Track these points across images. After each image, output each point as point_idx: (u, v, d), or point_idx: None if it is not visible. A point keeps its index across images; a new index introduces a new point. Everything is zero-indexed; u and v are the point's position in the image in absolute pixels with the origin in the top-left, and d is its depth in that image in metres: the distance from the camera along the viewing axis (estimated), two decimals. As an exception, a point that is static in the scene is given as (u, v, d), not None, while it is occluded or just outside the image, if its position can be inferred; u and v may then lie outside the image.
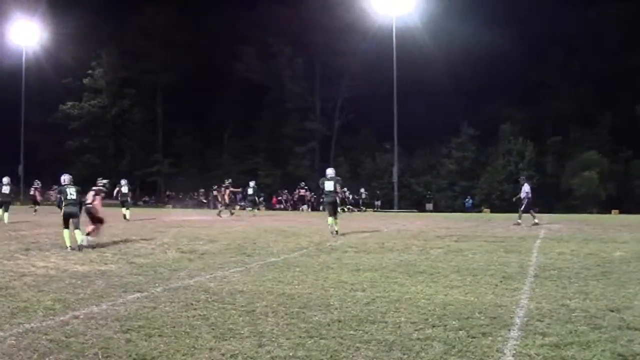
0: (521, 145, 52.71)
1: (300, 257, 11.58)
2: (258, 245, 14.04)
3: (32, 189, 37.44)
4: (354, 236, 17.05)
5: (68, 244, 13.19)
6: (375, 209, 48.67)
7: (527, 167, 51.30)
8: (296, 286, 8.14)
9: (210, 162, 66.92)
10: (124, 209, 26.98)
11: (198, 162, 68.00)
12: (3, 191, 24.89)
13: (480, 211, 45.53)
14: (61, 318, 5.97)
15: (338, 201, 18.77)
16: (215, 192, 40.49)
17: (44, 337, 5.21)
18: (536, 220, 22.44)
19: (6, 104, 63.02)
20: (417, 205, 51.50)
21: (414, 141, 54.65)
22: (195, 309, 6.47)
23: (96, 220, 14.91)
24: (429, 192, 54.78)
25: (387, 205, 50.82)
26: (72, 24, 61.89)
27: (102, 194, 16.00)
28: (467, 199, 51.15)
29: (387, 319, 6.06)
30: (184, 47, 64.62)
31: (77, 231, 13.54)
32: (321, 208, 37.09)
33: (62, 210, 14.04)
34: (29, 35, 61.63)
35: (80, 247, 12.97)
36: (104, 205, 15.86)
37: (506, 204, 41.07)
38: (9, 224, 21.75)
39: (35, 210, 32.66)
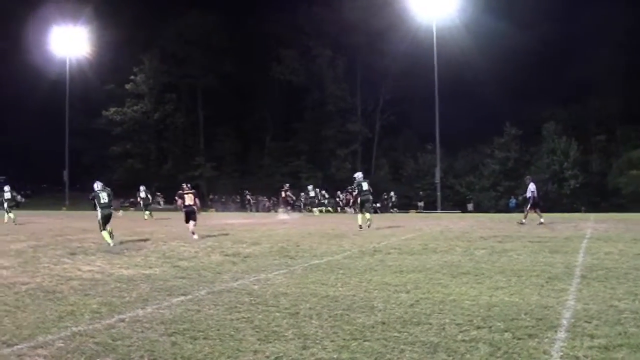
0: (565, 144, 51.97)
1: (343, 260, 11.57)
2: (301, 247, 14.07)
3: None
4: (397, 238, 16.95)
5: (109, 241, 15.17)
6: (418, 210, 48.52)
7: (572, 166, 50.62)
8: (340, 288, 8.13)
9: (252, 165, 67.39)
10: (146, 212, 31.99)
11: (239, 165, 68.56)
12: (5, 196, 29.52)
13: (524, 211, 44.87)
14: (107, 321, 6.08)
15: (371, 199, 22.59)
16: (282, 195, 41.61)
17: (91, 340, 5.30)
18: (541, 220, 22.31)
19: (52, 111, 64.60)
20: (459, 206, 51.08)
21: (456, 141, 54.25)
22: (239, 312, 6.51)
23: (194, 218, 18.20)
24: (469, 193, 54.32)
25: (429, 206, 50.51)
26: (114, 31, 63.08)
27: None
28: (510, 199, 50.49)
29: (432, 320, 6.02)
30: (225, 50, 65.29)
31: (109, 228, 15.67)
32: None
33: (99, 214, 15.88)
34: (72, 44, 62.78)
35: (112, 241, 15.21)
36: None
37: (551, 204, 40.41)
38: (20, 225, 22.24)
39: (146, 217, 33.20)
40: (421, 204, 51.44)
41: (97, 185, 16.71)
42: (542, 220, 22.38)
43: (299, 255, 12.33)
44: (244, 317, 6.22)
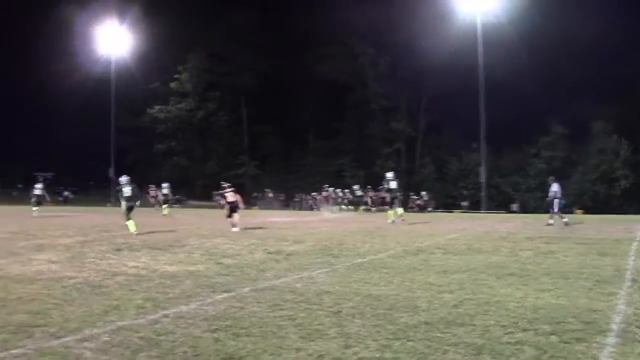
0: (615, 143, 50.56)
1: (386, 258, 11.55)
2: (344, 246, 14.09)
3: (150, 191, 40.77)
4: (441, 237, 16.85)
5: (132, 229, 17.74)
6: (462, 210, 48.17)
7: (622, 165, 49.38)
8: (383, 287, 8.11)
9: (295, 164, 67.58)
10: (164, 207, 34.26)
11: (283, 163, 68.76)
12: (35, 192, 33.36)
13: (572, 212, 44.16)
14: (151, 316, 6.16)
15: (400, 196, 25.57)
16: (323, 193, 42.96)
17: (135, 334, 5.39)
18: (565, 220, 22.39)
19: (98, 109, 65.81)
20: (504, 206, 50.42)
21: (501, 140, 53.32)
22: (282, 310, 6.54)
23: (234, 212, 20.08)
24: (515, 193, 53.58)
25: (473, 206, 50.01)
26: (158, 30, 63.90)
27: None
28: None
29: (476, 321, 5.95)
30: (268, 49, 65.52)
31: (130, 221, 18.05)
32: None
33: (124, 205, 18.56)
34: (117, 43, 63.76)
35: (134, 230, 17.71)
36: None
37: (601, 205, 39.62)
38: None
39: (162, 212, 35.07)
40: (465, 203, 50.98)
41: (124, 180, 19.09)
42: (565, 219, 22.42)
43: (342, 254, 12.35)
44: (286, 315, 6.25)
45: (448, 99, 55.47)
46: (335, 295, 7.42)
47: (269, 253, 12.54)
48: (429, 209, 46.63)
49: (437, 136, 62.92)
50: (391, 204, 24.88)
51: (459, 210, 46.97)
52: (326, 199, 46.33)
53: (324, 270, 9.89)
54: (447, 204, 51.84)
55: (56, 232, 18.14)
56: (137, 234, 16.94)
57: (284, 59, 64.55)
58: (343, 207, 45.36)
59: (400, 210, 24.81)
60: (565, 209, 46.11)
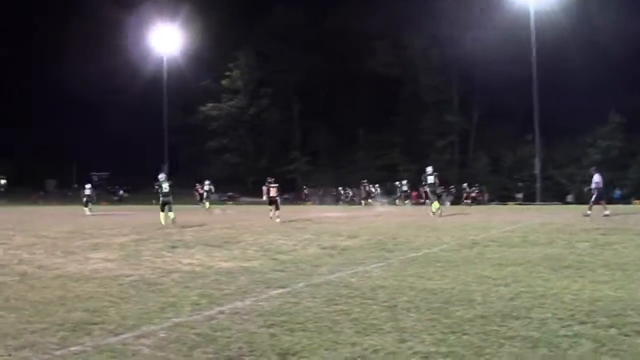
0: None
1: (441, 252, 11.45)
2: (398, 240, 14.02)
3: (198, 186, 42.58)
4: (496, 230, 16.64)
5: (163, 222, 20.00)
6: (517, 202, 47.60)
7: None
8: (437, 281, 8.03)
9: (346, 159, 67.55)
10: (207, 203, 35.84)
11: (334, 158, 68.81)
12: (86, 192, 35.39)
13: (630, 203, 43.07)
14: (207, 313, 6.22)
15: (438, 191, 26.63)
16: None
17: (191, 331, 5.45)
18: (607, 212, 21.96)
19: (150, 108, 66.98)
20: (559, 197, 49.49)
21: (556, 131, 52.35)
22: (337, 304, 6.53)
23: (276, 207, 22.76)
24: (570, 185, 52.48)
25: (528, 198, 49.25)
26: (208, 28, 64.70)
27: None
28: (614, 190, 48.34)
29: (532, 314, 5.84)
30: (315, 44, 65.69)
31: (171, 213, 20.27)
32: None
33: (161, 199, 20.82)
34: (168, 41, 64.66)
35: (173, 222, 19.99)
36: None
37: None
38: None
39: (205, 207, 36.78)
40: (520, 195, 50.29)
41: (162, 177, 21.41)
42: (607, 212, 22.01)
43: (397, 248, 12.29)
44: (341, 310, 6.24)
45: (501, 90, 54.55)
46: (390, 290, 7.37)
47: (323, 248, 12.57)
48: (483, 202, 46.18)
49: (491, 128, 62.08)
50: (438, 197, 26.04)
51: (513, 203, 46.38)
52: (367, 193, 47.11)
53: (379, 264, 9.85)
54: (501, 196, 51.20)
55: (111, 231, 18.48)
56: (175, 229, 18.61)
57: (333, 53, 64.66)
58: (370, 201, 46.30)
59: (435, 204, 25.27)
60: (624, 200, 45.51)
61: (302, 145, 71.82)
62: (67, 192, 73.43)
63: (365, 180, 48.48)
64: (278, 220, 21.94)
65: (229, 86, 71.53)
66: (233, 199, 63.23)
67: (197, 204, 38.39)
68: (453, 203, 44.88)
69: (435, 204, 25.23)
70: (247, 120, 72.49)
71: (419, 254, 11.24)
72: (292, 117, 72.97)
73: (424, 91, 62.10)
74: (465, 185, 49.09)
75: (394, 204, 44.35)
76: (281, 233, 16.61)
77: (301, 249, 12.47)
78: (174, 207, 21.06)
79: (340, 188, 56.11)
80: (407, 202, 44.16)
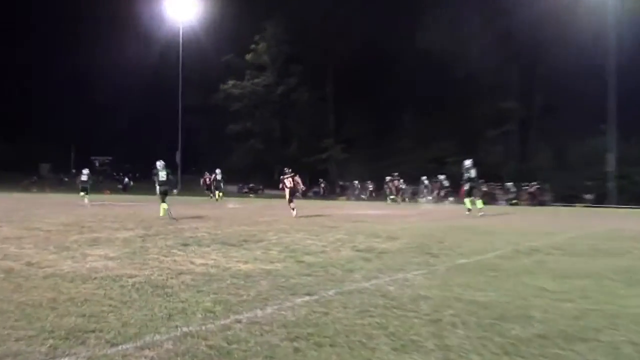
0: None
1: (494, 259, 11.37)
2: (445, 244, 13.94)
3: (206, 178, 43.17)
4: (560, 236, 16.48)
5: (162, 214, 21.46)
6: (586, 204, 47.06)
7: None
8: (490, 293, 7.94)
9: (388, 148, 67.21)
10: (217, 193, 38.26)
11: (374, 148, 68.41)
12: (82, 178, 36.07)
13: None
14: (222, 322, 6.19)
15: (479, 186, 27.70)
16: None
17: (203, 342, 5.41)
18: None
19: (164, 86, 67.30)
20: (638, 200, 48.72)
21: (632, 125, 51.63)
22: (372, 316, 6.47)
23: (292, 199, 24.33)
24: None
25: (599, 200, 48.57)
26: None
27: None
28: None
29: (602, 337, 5.74)
30: (357, 16, 65.24)
31: (164, 204, 21.84)
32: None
33: (158, 189, 22.44)
34: (185, 9, 64.38)
35: (169, 216, 21.01)
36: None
37: None
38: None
39: (214, 199, 39.35)
40: (589, 196, 49.64)
41: (159, 165, 22.73)
42: None
43: (443, 253, 12.22)
44: (377, 323, 6.18)
45: (568, 75, 53.80)
46: (434, 301, 7.30)
47: (357, 251, 12.53)
48: (545, 202, 45.83)
49: (556, 117, 61.23)
50: (470, 194, 26.76)
51: (581, 205, 45.84)
52: (397, 189, 47.25)
53: (421, 271, 9.79)
54: (567, 196, 50.49)
55: (114, 224, 18.64)
56: (171, 220, 20.05)
57: (376, 27, 64.13)
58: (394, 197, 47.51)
59: (479, 203, 26.16)
60: None
61: (336, 131, 71.60)
62: (62, 178, 73.99)
63: (396, 174, 48.48)
64: (294, 212, 23.65)
65: (253, 61, 71.59)
66: (255, 192, 63.58)
67: (205, 195, 39.11)
68: (510, 203, 44.68)
69: (478, 203, 26.30)
70: (273, 100, 72.61)
71: (469, 260, 11.18)
72: (326, 98, 72.82)
73: (479, 73, 61.47)
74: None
75: (431, 201, 44.64)
76: (309, 232, 16.60)
77: (332, 251, 12.43)
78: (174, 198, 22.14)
79: (358, 182, 56.32)
80: (450, 199, 44.22)
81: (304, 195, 58.72)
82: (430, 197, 45.35)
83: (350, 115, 69.50)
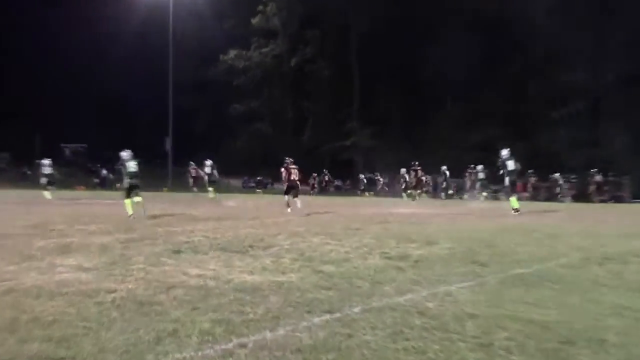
0: None
1: (558, 269, 11.31)
2: (496, 249, 13.93)
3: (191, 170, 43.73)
4: (641, 240, 16.39)
5: (130, 212, 22.17)
6: None
7: None
8: (553, 311, 7.89)
9: (424, 134, 66.97)
10: (210, 190, 38.54)
11: (408, 132, 68.11)
12: (44, 171, 37.29)
13: None
14: (222, 347, 6.18)
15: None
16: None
17: (199, 371, 5.41)
18: None
19: (150, 57, 67.11)
20: None
21: None
22: (407, 339, 6.44)
23: (295, 194, 26.51)
24: None
25: None
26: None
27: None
28: None
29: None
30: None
31: (138, 198, 23.01)
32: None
33: (126, 182, 23.19)
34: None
35: (140, 205, 22.45)
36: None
37: None
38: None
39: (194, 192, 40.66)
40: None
41: (125, 155, 23.78)
42: None
43: (494, 261, 12.19)
44: (413, 347, 6.15)
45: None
46: (484, 321, 7.26)
47: (388, 258, 12.50)
48: (622, 197, 45.70)
49: (634, 95, 60.75)
50: (512, 189, 27.95)
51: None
52: (417, 182, 47.53)
53: (467, 283, 9.77)
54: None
55: (90, 227, 18.71)
56: (133, 218, 21.29)
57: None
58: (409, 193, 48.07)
59: (513, 200, 27.33)
60: None
61: (362, 112, 71.28)
62: (25, 171, 74.04)
63: (416, 162, 48.52)
64: (289, 209, 26.07)
65: (261, 26, 71.41)
66: (263, 186, 63.71)
67: (189, 190, 39.62)
68: (577, 199, 44.64)
69: (514, 200, 27.34)
70: (285, 74, 72.59)
71: (527, 270, 11.12)
72: (350, 72, 72.53)
73: (537, 42, 61.16)
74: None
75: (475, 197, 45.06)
76: (329, 235, 16.58)
77: (357, 259, 12.41)
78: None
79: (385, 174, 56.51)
80: (484, 194, 44.50)
81: (323, 190, 58.92)
82: (450, 192, 45.80)
83: (380, 93, 69.32)
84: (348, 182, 65.43)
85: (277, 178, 65.20)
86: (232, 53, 70.97)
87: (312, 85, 72.37)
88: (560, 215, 24.80)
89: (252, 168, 63.75)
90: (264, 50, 71.57)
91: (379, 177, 59.20)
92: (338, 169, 67.93)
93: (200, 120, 72.68)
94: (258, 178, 65.39)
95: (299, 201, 26.78)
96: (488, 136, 61.90)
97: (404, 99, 68.53)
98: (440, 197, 47.30)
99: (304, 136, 69.72)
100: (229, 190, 55.59)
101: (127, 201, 22.73)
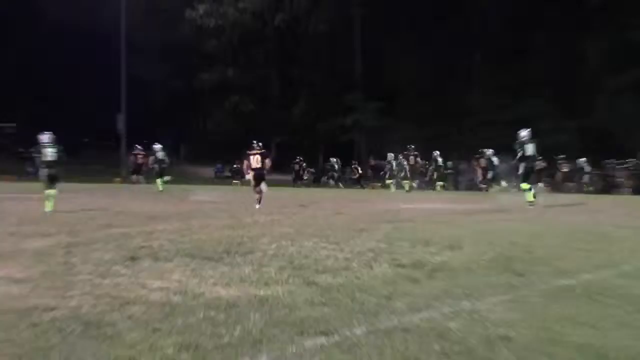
0: None
1: (615, 279, 11.30)
2: (535, 255, 13.95)
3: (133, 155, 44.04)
4: None
5: (49, 208, 23.54)
6: None
7: None
8: (610, 332, 7.88)
9: (448, 106, 66.71)
10: (158, 180, 39.52)
11: (425, 105, 67.86)
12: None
13: None
14: (191, 379, 6.20)
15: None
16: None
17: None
18: None
19: (100, 15, 66.94)
20: None
21: None
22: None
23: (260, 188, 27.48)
24: None
25: None
26: None
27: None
28: None
29: None
30: None
31: (51, 191, 24.16)
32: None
33: (44, 172, 24.44)
34: None
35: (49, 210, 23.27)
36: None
37: None
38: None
39: (133, 183, 42.03)
40: None
41: (44, 138, 25.10)
42: None
43: (532, 270, 12.13)
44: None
45: None
46: (522, 345, 7.26)
47: (399, 266, 12.47)
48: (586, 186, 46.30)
49: None
50: (526, 178, 28.07)
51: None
52: (415, 168, 48.05)
53: (500, 298, 9.73)
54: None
55: (22, 228, 18.69)
56: (50, 213, 22.59)
57: None
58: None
59: (529, 194, 28.01)
60: None
61: (367, 81, 70.94)
62: None
63: (412, 146, 48.87)
64: (258, 206, 27.43)
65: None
66: (240, 176, 63.53)
67: (131, 180, 39.98)
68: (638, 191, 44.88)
69: (530, 194, 28.09)
70: (269, 35, 72.33)
71: (574, 281, 11.09)
72: (351, 30, 72.16)
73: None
74: None
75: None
76: (325, 238, 16.57)
77: (360, 266, 12.40)
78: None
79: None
80: (503, 184, 45.01)
81: (318, 180, 59.01)
82: (513, 183, 45.73)
83: (390, 56, 69.03)
84: (348, 170, 65.35)
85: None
86: (201, 8, 70.75)
87: (303, 46, 72.11)
88: (614, 210, 24.77)
89: (227, 153, 63.67)
90: (241, 5, 71.28)
91: (391, 163, 59.20)
92: (336, 153, 67.52)
93: (162, 94, 72.52)
94: (234, 166, 65.07)
95: (259, 196, 28.00)
96: (531, 109, 61.57)
97: (421, 63, 68.07)
98: (431, 188, 47.75)
99: (293, 113, 69.50)
100: (197, 180, 55.51)
101: (47, 194, 23.90)
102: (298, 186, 57.76)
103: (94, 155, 71.94)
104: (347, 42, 71.87)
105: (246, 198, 33.44)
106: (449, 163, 53.13)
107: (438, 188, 50.14)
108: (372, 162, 60.54)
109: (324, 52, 71.89)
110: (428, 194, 44.08)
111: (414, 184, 47.68)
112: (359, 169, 60.63)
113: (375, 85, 69.12)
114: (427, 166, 51.18)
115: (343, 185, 59.07)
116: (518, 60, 64.47)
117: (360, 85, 70.11)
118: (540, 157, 29.90)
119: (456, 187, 52.91)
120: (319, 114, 67.30)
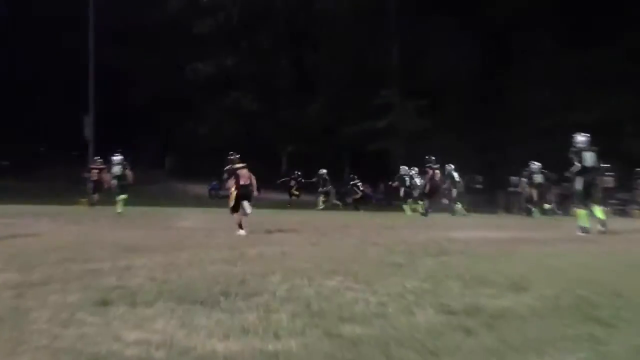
0: None
1: None
2: (625, 299, 13.75)
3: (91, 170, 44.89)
4: None
5: (120, 209, 23.14)
6: None
7: None
8: None
9: (510, 108, 66.68)
10: (119, 198, 39.81)
11: (480, 107, 67.82)
12: None
13: None
14: None
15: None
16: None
17: None
18: None
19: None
20: None
21: None
22: None
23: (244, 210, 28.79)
24: None
25: None
26: None
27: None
28: None
29: None
30: None
31: None
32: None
33: (114, 182, 24.43)
34: None
35: None
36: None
37: None
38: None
39: (92, 204, 42.73)
40: None
41: (116, 159, 23.50)
42: None
43: (623, 317, 11.95)
44: None
45: None
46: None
47: (448, 313, 12.30)
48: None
49: None
50: (586, 197, 28.98)
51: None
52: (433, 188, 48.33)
53: (582, 355, 9.55)
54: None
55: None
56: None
57: None
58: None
59: (598, 211, 28.32)
60: None
61: (404, 74, 70.88)
62: None
63: (433, 158, 48.76)
64: (242, 232, 28.54)
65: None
66: (221, 190, 63.72)
67: (91, 201, 40.39)
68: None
69: (597, 211, 28.32)
70: (278, 13, 72.52)
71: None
72: (385, 11, 72.19)
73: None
74: None
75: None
76: (351, 275, 16.44)
77: (399, 314, 12.25)
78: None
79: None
80: (546, 206, 45.44)
81: (343, 201, 59.26)
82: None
83: (433, 43, 69.12)
84: (381, 188, 65.34)
85: (266, 180, 65.58)
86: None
87: (322, 30, 72.17)
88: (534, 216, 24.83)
89: (224, 166, 63.93)
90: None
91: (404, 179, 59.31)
92: (366, 170, 67.42)
93: (143, 90, 72.75)
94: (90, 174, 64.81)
95: (248, 206, 29.59)
96: (607, 111, 61.57)
97: (471, 53, 68.08)
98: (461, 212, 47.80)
99: (309, 113, 69.66)
100: (187, 201, 55.79)
101: (121, 198, 24.57)
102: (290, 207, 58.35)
103: (54, 170, 71.82)
104: (378, 24, 71.94)
105: (249, 223, 33.54)
106: (478, 177, 53.42)
107: (459, 210, 50.26)
108: (396, 183, 60.46)
109: (347, 35, 71.88)
110: (460, 219, 44.17)
111: (430, 207, 47.62)
112: (360, 187, 60.71)
113: (414, 78, 69.09)
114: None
115: (342, 205, 59.43)
116: (576, 43, 64.45)
117: (397, 77, 70.06)
118: (609, 172, 30.36)
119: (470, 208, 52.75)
120: (342, 116, 67.32)
